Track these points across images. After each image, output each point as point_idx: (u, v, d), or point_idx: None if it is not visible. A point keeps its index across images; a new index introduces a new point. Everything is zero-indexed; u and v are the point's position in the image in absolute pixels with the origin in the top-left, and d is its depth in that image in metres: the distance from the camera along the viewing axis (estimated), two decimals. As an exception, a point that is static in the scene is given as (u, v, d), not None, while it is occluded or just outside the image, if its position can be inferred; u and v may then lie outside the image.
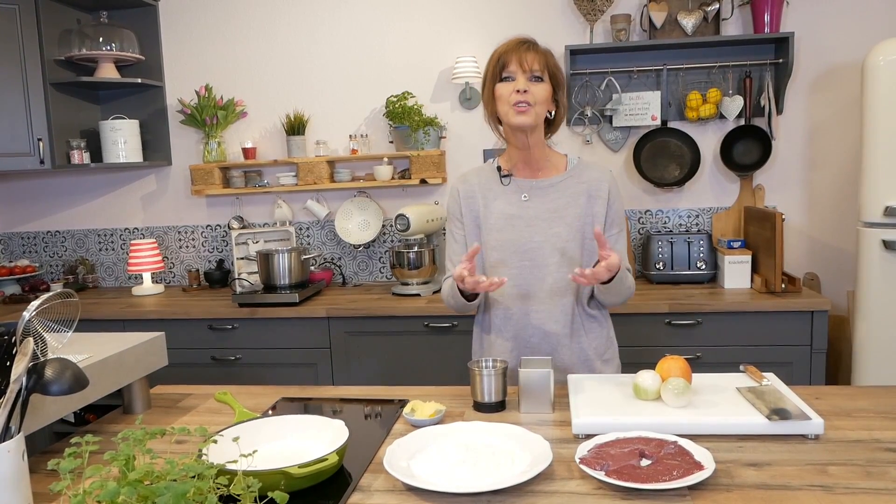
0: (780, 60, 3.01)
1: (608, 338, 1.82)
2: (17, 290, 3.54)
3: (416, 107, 3.25)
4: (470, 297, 1.69)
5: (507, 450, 1.24)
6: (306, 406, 1.62)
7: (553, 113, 1.73)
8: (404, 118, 3.22)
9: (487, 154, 3.32)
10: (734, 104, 3.08)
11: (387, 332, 2.90)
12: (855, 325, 2.71)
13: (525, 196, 1.74)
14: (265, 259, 3.09)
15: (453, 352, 2.85)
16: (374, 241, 3.47)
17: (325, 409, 1.59)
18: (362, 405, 1.60)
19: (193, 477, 0.89)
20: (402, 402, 1.58)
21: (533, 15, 3.25)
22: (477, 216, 1.78)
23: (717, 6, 3.01)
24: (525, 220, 1.72)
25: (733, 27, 3.13)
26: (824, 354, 2.67)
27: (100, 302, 3.26)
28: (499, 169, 1.78)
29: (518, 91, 1.62)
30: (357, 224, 3.43)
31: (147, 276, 3.47)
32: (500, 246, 1.73)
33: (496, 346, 1.77)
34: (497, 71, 1.66)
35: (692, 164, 3.15)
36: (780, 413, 1.31)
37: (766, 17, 2.96)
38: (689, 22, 3.03)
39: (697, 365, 2.67)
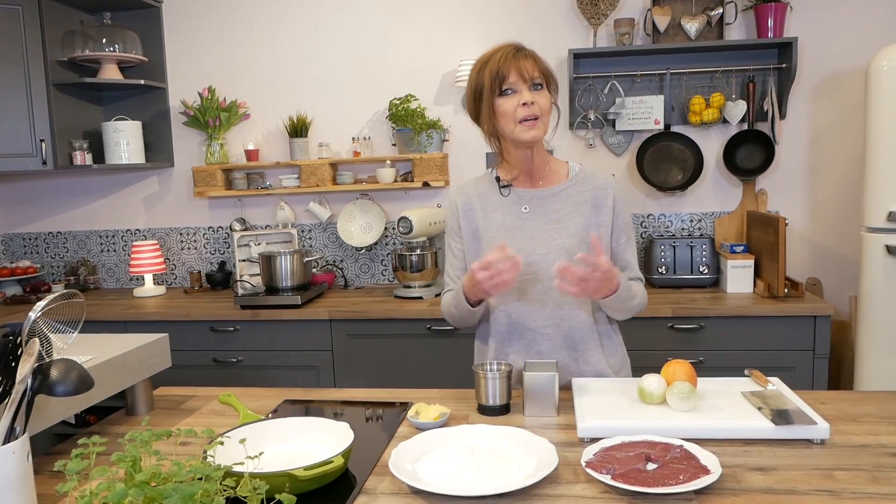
0: (784, 65, 3.01)
1: (623, 356, 1.75)
2: (19, 290, 3.54)
3: (418, 109, 3.25)
4: (474, 302, 1.62)
5: (513, 453, 1.24)
6: (307, 409, 1.62)
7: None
8: (407, 121, 3.22)
9: (490, 157, 3.32)
10: (737, 109, 3.08)
11: (389, 335, 2.90)
12: (858, 331, 2.71)
13: (526, 207, 1.67)
14: (267, 261, 3.09)
15: (455, 355, 2.85)
16: (376, 243, 3.47)
17: (326, 412, 1.58)
18: (364, 408, 1.60)
19: (200, 479, 0.88)
20: (404, 405, 1.58)
21: (536, 18, 3.25)
22: (476, 229, 1.70)
23: (721, 11, 3.01)
24: (526, 232, 1.65)
25: (737, 32, 3.13)
26: (827, 359, 2.67)
27: (101, 303, 3.25)
28: (497, 179, 1.71)
29: (525, 104, 1.54)
30: (359, 226, 3.43)
31: (149, 278, 3.46)
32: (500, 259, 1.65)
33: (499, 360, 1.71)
34: (496, 85, 1.55)
35: (695, 169, 3.15)
36: (785, 417, 1.31)
37: (770, 22, 2.96)
38: (692, 26, 3.03)
39: (700, 369, 2.65)
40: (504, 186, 1.70)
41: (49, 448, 1.44)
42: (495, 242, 1.65)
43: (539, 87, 1.57)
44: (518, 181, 1.71)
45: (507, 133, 1.60)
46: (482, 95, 1.59)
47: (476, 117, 1.65)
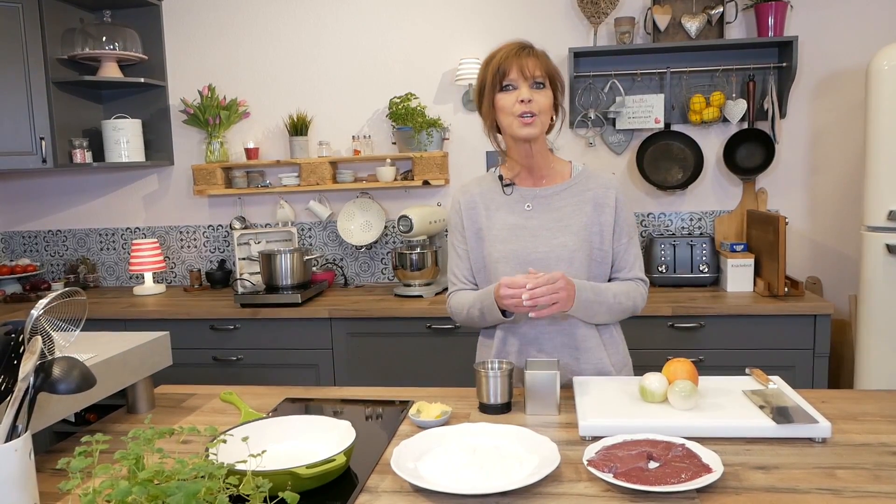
0: (784, 64, 3.01)
1: (624, 354, 1.76)
2: (18, 289, 3.53)
3: (419, 108, 3.25)
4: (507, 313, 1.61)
5: (515, 452, 1.24)
6: (307, 407, 1.61)
7: (553, 118, 1.67)
8: (407, 119, 3.22)
9: (490, 156, 3.32)
10: (737, 108, 3.08)
11: (389, 334, 2.90)
12: (857, 330, 2.71)
13: (528, 206, 1.68)
14: (267, 259, 3.08)
15: (455, 353, 2.84)
16: (376, 242, 3.47)
17: (326, 410, 1.58)
18: (364, 406, 1.60)
19: (203, 476, 0.88)
20: (405, 404, 1.58)
21: (536, 17, 3.25)
22: (479, 228, 1.71)
23: (721, 10, 3.01)
24: (529, 231, 1.66)
25: (737, 31, 3.13)
26: (827, 358, 2.67)
27: (101, 301, 3.25)
28: (500, 178, 1.72)
29: (522, 101, 1.56)
30: (359, 225, 3.42)
31: (148, 276, 3.46)
32: (503, 258, 1.65)
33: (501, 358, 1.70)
34: (497, 80, 1.58)
35: (695, 168, 3.15)
36: (787, 416, 1.31)
37: (770, 21, 2.96)
38: (692, 25, 3.03)
39: (700, 368, 2.63)
40: (507, 185, 1.71)
41: (49, 446, 1.44)
42: (499, 240, 1.67)
43: (540, 86, 1.59)
44: (521, 179, 1.72)
45: (505, 128, 1.63)
46: (484, 90, 1.62)
47: (481, 112, 1.67)
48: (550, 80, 1.60)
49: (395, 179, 3.29)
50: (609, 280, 1.72)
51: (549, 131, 1.68)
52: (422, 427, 1.41)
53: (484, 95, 1.63)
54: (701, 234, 3.25)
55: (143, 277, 3.49)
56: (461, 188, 1.78)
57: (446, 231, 3.12)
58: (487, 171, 1.85)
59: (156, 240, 3.49)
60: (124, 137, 3.34)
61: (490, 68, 1.60)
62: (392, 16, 3.36)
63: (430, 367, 2.88)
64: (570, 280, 1.56)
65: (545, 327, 1.66)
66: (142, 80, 3.35)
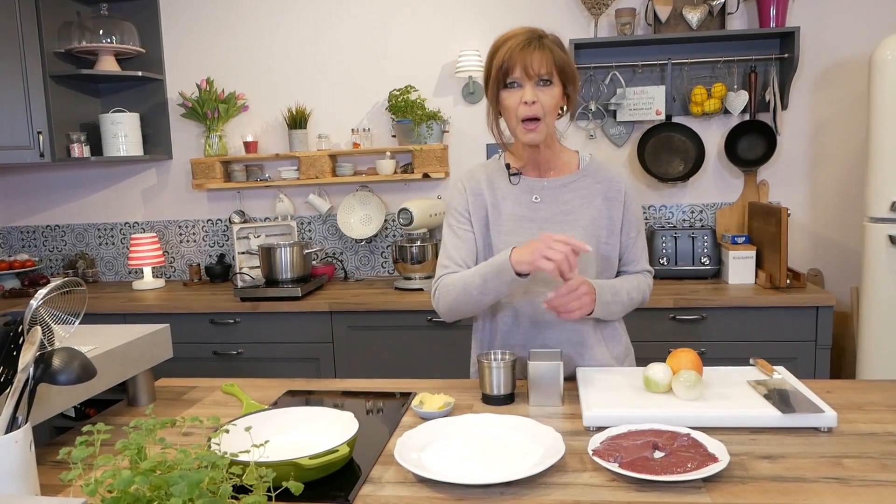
0: (786, 55, 3.00)
1: (626, 345, 1.75)
2: (17, 284, 3.52)
3: (418, 101, 3.23)
4: (523, 273, 1.45)
5: (519, 442, 1.23)
6: (308, 400, 1.60)
7: (564, 108, 1.62)
8: (407, 112, 3.20)
9: (490, 148, 3.31)
10: (739, 99, 3.07)
11: (389, 327, 2.89)
12: (860, 321, 2.70)
13: (536, 197, 1.63)
14: (267, 253, 3.07)
15: (455, 346, 2.84)
16: (375, 235, 3.45)
17: (326, 403, 1.57)
18: (365, 399, 1.59)
19: (206, 466, 0.87)
20: (406, 396, 1.57)
21: (536, 8, 3.23)
22: (485, 215, 1.65)
23: (723, 0, 3.00)
24: (537, 223, 1.62)
25: (738, 22, 3.12)
26: (829, 350, 2.67)
27: (100, 296, 3.24)
28: (508, 167, 1.67)
29: (526, 103, 1.50)
30: (359, 218, 3.41)
31: (148, 271, 3.45)
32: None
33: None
34: (501, 76, 1.52)
35: (696, 160, 3.14)
36: (792, 406, 1.30)
37: (772, 12, 2.95)
38: (693, 16, 3.01)
39: (702, 360, 2.66)
40: (514, 174, 1.67)
41: (49, 440, 1.43)
42: (505, 232, 1.63)
43: (547, 82, 1.51)
44: (527, 170, 1.68)
45: (510, 129, 1.59)
46: (489, 82, 1.57)
47: (488, 97, 1.62)
48: (560, 72, 1.52)
49: (395, 172, 3.28)
50: (618, 272, 1.71)
51: (559, 118, 1.62)
52: (425, 418, 1.40)
53: (489, 86, 1.58)
54: (702, 226, 3.24)
55: (143, 272, 3.48)
56: (466, 173, 1.72)
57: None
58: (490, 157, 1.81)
59: (155, 234, 3.47)
60: (122, 131, 3.32)
61: (495, 62, 1.52)
62: (391, 8, 3.34)
63: (431, 361, 2.88)
64: (591, 284, 1.53)
65: (549, 322, 1.64)
66: (139, 73, 3.33)
